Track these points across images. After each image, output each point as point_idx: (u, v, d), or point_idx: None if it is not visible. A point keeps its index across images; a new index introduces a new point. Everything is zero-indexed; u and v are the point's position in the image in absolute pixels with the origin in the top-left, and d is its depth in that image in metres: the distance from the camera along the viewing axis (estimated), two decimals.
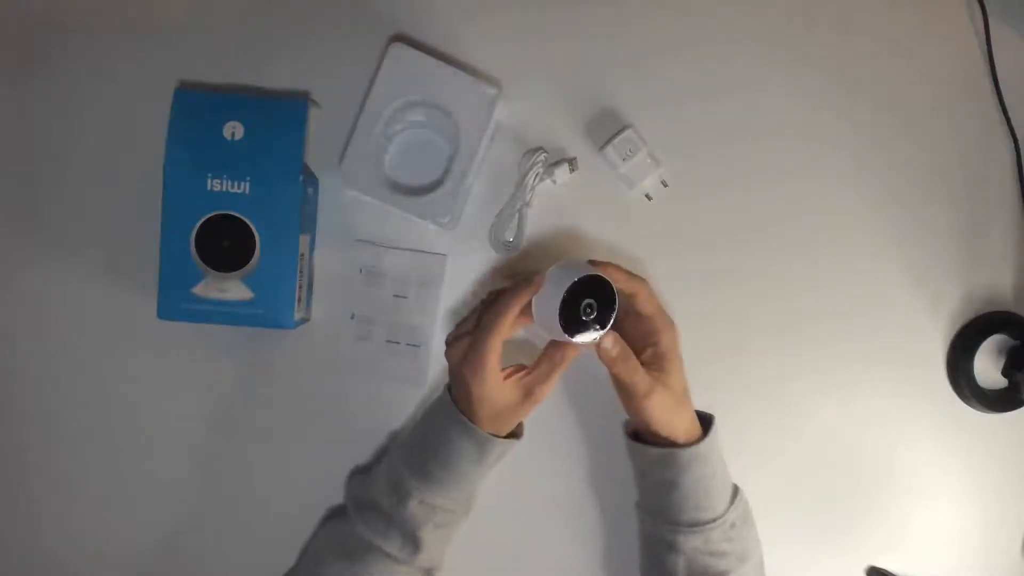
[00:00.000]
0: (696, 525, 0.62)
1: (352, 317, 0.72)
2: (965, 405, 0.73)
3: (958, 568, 0.73)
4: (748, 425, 0.71)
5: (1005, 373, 0.73)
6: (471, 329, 0.62)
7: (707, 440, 0.63)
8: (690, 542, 0.62)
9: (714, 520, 0.62)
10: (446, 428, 0.62)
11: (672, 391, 0.63)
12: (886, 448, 0.73)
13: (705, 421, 0.65)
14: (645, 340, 0.64)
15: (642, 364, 0.63)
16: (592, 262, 0.63)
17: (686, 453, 0.62)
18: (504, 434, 0.63)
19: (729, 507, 0.63)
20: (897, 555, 0.73)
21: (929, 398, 0.73)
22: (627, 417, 0.69)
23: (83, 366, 0.72)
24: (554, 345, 0.62)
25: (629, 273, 0.63)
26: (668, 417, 0.63)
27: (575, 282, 0.59)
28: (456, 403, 0.62)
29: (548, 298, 0.60)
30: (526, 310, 0.61)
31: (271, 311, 0.66)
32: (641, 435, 0.65)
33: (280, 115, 0.67)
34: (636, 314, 0.64)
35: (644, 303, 0.64)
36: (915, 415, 0.73)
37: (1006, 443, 0.73)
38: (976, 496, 0.73)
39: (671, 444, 0.63)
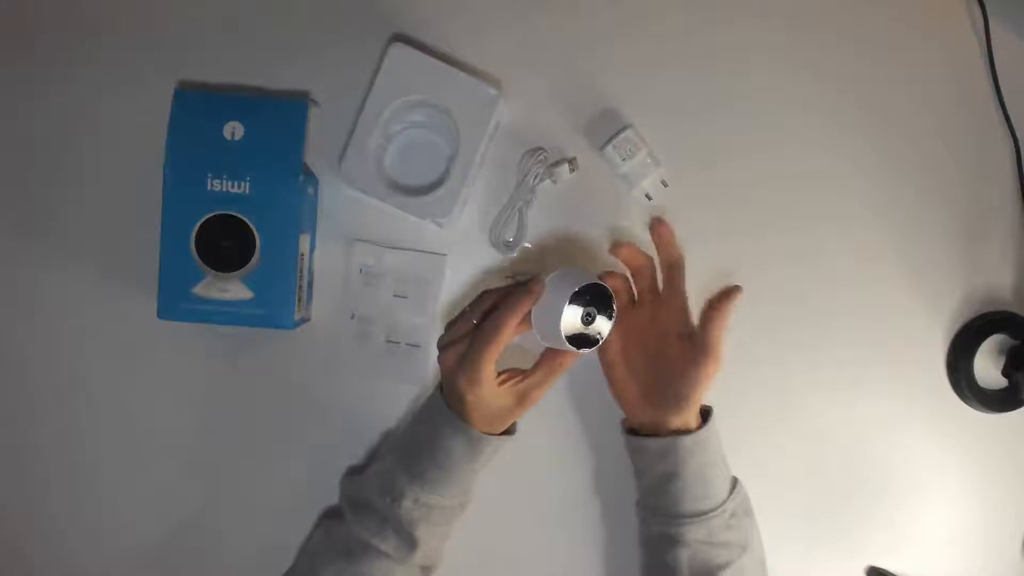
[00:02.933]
0: (698, 515, 0.62)
1: (352, 317, 0.72)
2: (965, 405, 0.73)
3: (958, 568, 0.73)
4: (748, 426, 0.71)
5: (1005, 373, 0.73)
6: (465, 333, 0.61)
7: (706, 428, 0.63)
8: (692, 533, 0.62)
9: (715, 509, 0.62)
10: (439, 428, 0.62)
11: (657, 414, 0.64)
12: (886, 448, 0.73)
13: (703, 412, 0.66)
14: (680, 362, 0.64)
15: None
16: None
17: (687, 440, 0.62)
18: (497, 432, 0.63)
19: (729, 496, 0.63)
20: (897, 555, 0.73)
21: (929, 398, 0.73)
22: (623, 417, 0.69)
23: (83, 366, 0.72)
24: (552, 352, 0.62)
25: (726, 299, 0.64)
26: (656, 424, 0.64)
27: (575, 291, 0.59)
28: (448, 404, 0.62)
29: (549, 307, 0.60)
30: (524, 318, 0.61)
31: (271, 311, 0.66)
32: (638, 429, 0.66)
33: (280, 115, 0.67)
34: (692, 337, 0.64)
35: (714, 332, 0.63)
36: (915, 415, 0.73)
37: (1006, 443, 0.73)
38: (976, 496, 0.73)
39: (669, 435, 0.63)
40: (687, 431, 0.63)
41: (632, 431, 0.67)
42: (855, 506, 0.73)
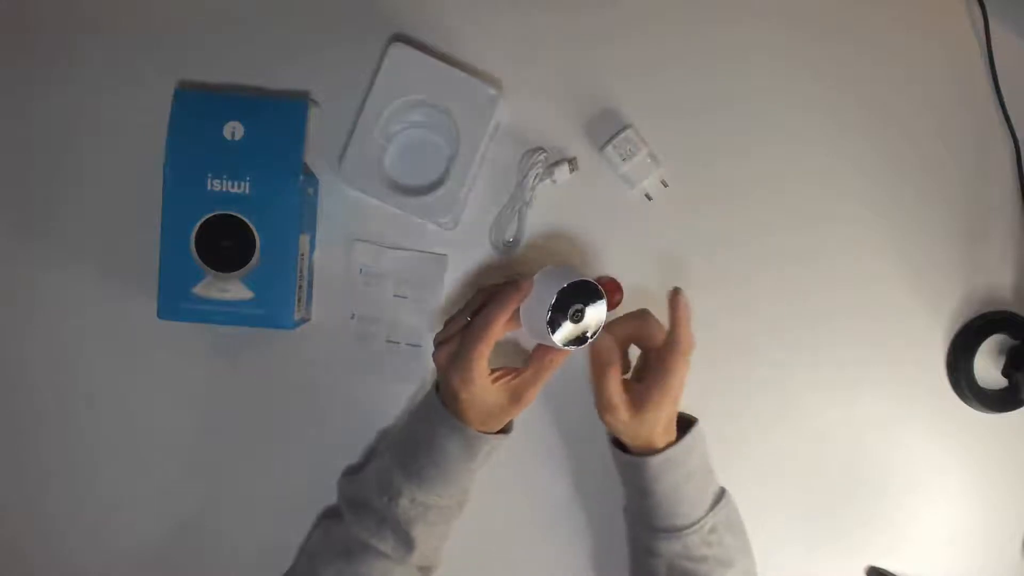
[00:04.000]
0: (672, 531, 0.62)
1: (352, 317, 0.72)
2: (965, 405, 0.73)
3: (958, 568, 0.73)
4: (748, 426, 0.71)
5: (1005, 373, 0.73)
6: (458, 331, 0.61)
7: (678, 447, 0.62)
8: (668, 547, 0.62)
9: (690, 526, 0.62)
10: (435, 427, 0.62)
11: (644, 423, 0.61)
12: (886, 448, 0.73)
13: (686, 424, 0.64)
14: (654, 365, 0.62)
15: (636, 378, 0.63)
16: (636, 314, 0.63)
17: (655, 461, 0.61)
18: (493, 431, 0.63)
19: (708, 512, 0.62)
20: (897, 555, 0.73)
21: (929, 398, 0.73)
22: None
23: (83, 366, 0.72)
24: (542, 349, 0.62)
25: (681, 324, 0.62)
26: (633, 435, 0.62)
27: (563, 288, 0.59)
28: (444, 403, 0.62)
29: (536, 304, 0.60)
30: (514, 315, 0.61)
31: (271, 311, 0.66)
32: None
33: (280, 115, 0.67)
34: (658, 348, 0.63)
35: (679, 346, 0.62)
36: (915, 415, 0.73)
37: (1006, 443, 0.73)
38: (976, 496, 0.73)
39: (647, 451, 0.62)
40: (656, 450, 0.62)
41: (616, 440, 0.66)
42: (855, 506, 0.73)
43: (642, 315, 0.65)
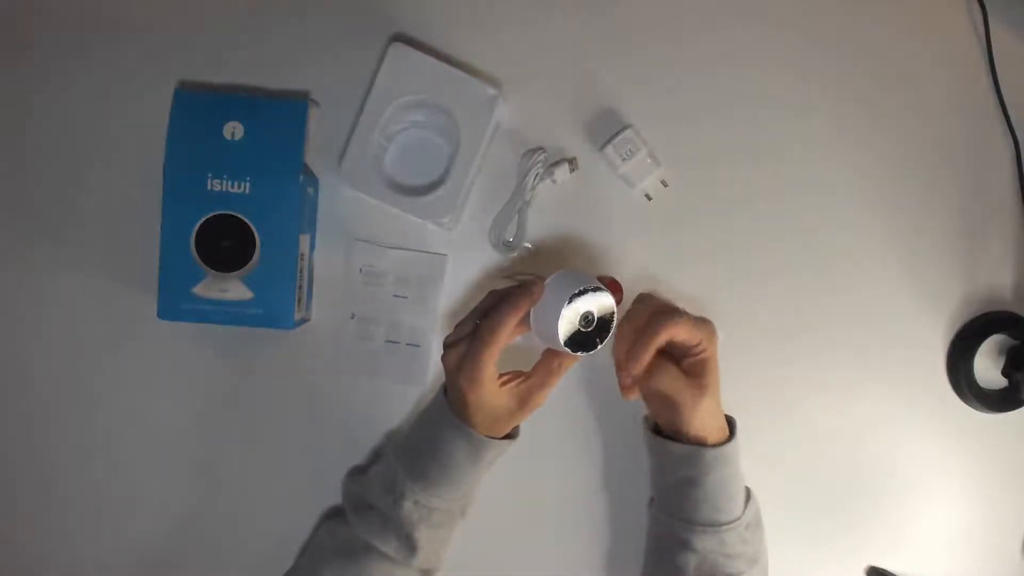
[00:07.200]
0: (713, 525, 0.62)
1: (352, 317, 0.72)
2: (965, 405, 0.73)
3: (958, 568, 0.73)
4: (749, 426, 0.71)
5: (1005, 373, 0.73)
6: (468, 334, 0.61)
7: (733, 442, 0.63)
8: (705, 542, 0.62)
9: (731, 522, 0.62)
10: (441, 430, 0.62)
11: (713, 398, 0.63)
12: (886, 448, 0.73)
13: (729, 422, 0.65)
14: (688, 349, 0.63)
15: (684, 370, 0.63)
16: (657, 317, 0.62)
17: (712, 453, 0.62)
18: (500, 436, 0.63)
19: (744, 510, 0.63)
20: (897, 555, 0.73)
21: (929, 398, 0.73)
22: (645, 413, 0.69)
23: (83, 366, 0.72)
24: (551, 353, 0.62)
25: (695, 322, 0.62)
26: (706, 422, 0.62)
27: (575, 293, 0.59)
28: (451, 406, 0.62)
29: (547, 308, 0.60)
30: (524, 318, 0.61)
31: (271, 311, 0.66)
32: (664, 430, 0.65)
33: (280, 115, 0.67)
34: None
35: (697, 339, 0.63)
36: (915, 415, 0.73)
37: (1006, 443, 0.73)
38: (976, 496, 0.73)
39: (698, 442, 0.62)
40: (714, 443, 0.62)
41: (657, 430, 0.66)
42: (855, 506, 0.73)
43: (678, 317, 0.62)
